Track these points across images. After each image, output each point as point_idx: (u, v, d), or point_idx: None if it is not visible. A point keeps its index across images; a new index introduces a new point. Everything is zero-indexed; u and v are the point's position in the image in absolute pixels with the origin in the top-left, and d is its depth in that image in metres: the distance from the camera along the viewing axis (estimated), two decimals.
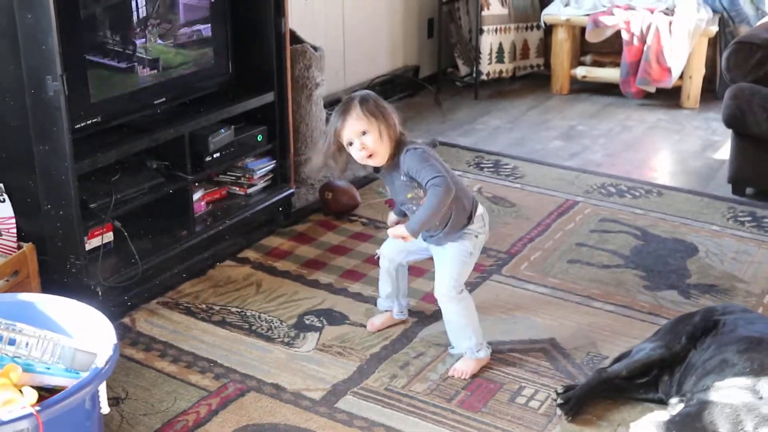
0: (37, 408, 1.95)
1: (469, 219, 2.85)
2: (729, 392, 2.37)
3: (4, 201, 3.08)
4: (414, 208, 2.80)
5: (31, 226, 3.09)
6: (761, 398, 2.34)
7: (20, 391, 2.04)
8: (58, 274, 3.10)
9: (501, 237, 3.84)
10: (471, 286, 3.43)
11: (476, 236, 2.87)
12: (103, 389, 2.13)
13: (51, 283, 3.10)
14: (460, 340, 2.94)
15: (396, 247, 3.00)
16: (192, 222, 3.55)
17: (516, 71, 6.15)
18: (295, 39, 4.30)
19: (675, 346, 2.71)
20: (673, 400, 2.56)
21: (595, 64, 6.10)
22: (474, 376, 2.88)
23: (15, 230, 3.09)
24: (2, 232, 3.09)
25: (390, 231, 2.84)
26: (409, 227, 2.75)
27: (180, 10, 3.45)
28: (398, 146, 2.75)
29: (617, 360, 2.85)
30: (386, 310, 3.18)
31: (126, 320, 3.19)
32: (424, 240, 2.92)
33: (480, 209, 2.89)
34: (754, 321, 2.67)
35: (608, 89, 5.89)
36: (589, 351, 3.03)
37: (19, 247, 3.08)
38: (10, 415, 1.94)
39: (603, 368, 2.80)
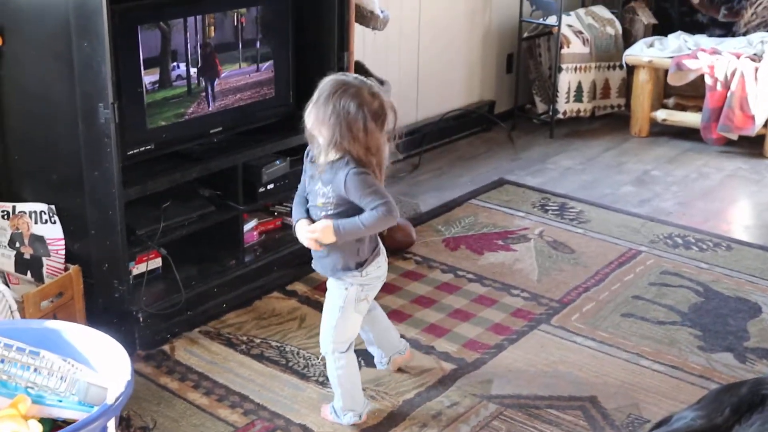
0: None
1: (358, 266, 2.66)
2: None
3: (54, 222, 3.13)
4: (322, 214, 2.61)
5: (79, 248, 3.13)
6: None
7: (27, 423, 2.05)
8: (102, 297, 3.13)
9: (555, 284, 3.74)
10: (517, 334, 3.35)
11: (346, 288, 2.68)
12: (112, 425, 2.12)
13: (94, 306, 3.14)
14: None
15: None
16: (241, 252, 3.55)
17: (595, 111, 6.01)
18: (362, 71, 4.29)
19: (717, 418, 2.56)
20: None
21: (678, 107, 5.93)
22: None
23: (63, 252, 3.14)
24: (51, 253, 3.14)
25: (311, 227, 2.62)
26: (338, 225, 2.55)
27: (241, 39, 3.47)
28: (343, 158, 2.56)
29: (657, 426, 2.73)
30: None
31: (165, 348, 3.20)
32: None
33: (373, 266, 2.68)
34: None
35: (689, 134, 5.71)
36: (631, 413, 2.92)
37: (66, 269, 3.13)
38: None
39: None
